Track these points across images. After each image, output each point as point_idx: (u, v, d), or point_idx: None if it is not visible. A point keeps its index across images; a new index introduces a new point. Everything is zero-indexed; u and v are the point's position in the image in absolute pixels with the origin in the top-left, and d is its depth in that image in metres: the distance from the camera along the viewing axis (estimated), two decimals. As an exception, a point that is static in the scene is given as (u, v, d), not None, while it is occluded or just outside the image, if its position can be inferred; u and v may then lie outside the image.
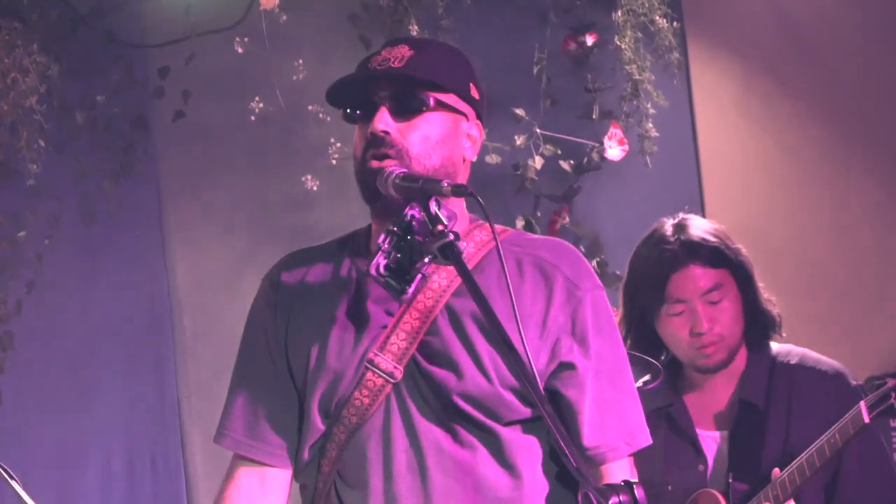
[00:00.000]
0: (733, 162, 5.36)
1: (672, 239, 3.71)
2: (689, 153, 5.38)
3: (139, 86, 5.37)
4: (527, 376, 2.54)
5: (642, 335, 3.78)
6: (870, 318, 5.01)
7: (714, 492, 3.66)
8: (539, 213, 5.25)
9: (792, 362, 3.73)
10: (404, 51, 2.88)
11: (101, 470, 5.36)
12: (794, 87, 5.32)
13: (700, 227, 3.74)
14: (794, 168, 5.28)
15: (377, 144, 2.83)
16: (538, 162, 5.20)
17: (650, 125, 5.16)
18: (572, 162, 5.27)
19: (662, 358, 3.81)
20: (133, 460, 5.37)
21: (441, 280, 2.83)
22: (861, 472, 3.62)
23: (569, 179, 5.30)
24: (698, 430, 3.76)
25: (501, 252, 2.76)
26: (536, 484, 2.86)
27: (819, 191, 5.24)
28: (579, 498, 2.67)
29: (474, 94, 2.92)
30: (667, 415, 3.78)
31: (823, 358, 3.75)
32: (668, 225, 3.77)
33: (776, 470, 3.55)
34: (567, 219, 5.24)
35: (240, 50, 5.10)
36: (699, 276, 3.68)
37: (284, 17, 5.06)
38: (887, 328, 4.96)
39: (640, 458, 3.56)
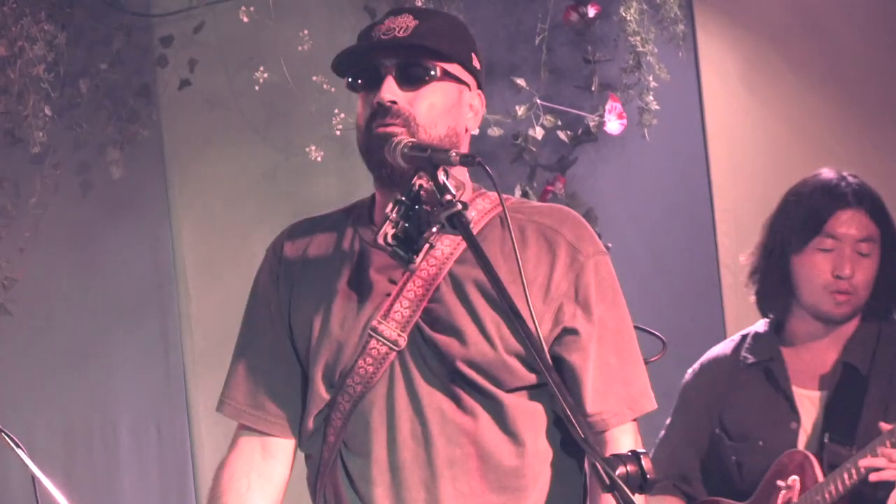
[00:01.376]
0: (740, 135, 5.31)
1: (842, 182, 3.79)
2: (696, 125, 5.33)
3: (144, 54, 5.40)
4: (533, 342, 2.53)
5: (775, 270, 3.83)
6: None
7: (806, 452, 3.71)
8: (535, 184, 5.25)
9: None
10: (408, 20, 2.88)
11: (106, 438, 5.39)
12: (800, 61, 5.26)
13: (861, 182, 3.82)
14: (799, 143, 5.23)
15: (383, 114, 2.83)
16: (539, 133, 5.19)
17: (651, 98, 5.13)
18: (569, 133, 5.26)
19: (785, 304, 3.85)
20: (139, 429, 5.41)
21: (444, 248, 2.84)
22: None
23: (566, 149, 5.29)
24: (795, 388, 3.79)
25: (504, 218, 2.79)
26: (540, 451, 2.88)
27: (825, 164, 5.19)
28: (587, 468, 2.67)
29: (476, 63, 2.92)
30: (765, 369, 3.82)
31: None
32: (834, 172, 3.84)
33: (883, 423, 3.56)
34: (562, 189, 5.24)
35: (245, 19, 5.10)
36: (861, 222, 3.75)
37: None
38: None
39: (733, 410, 3.85)
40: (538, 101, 5.21)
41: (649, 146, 5.21)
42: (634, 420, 2.91)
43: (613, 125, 5.17)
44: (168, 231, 5.51)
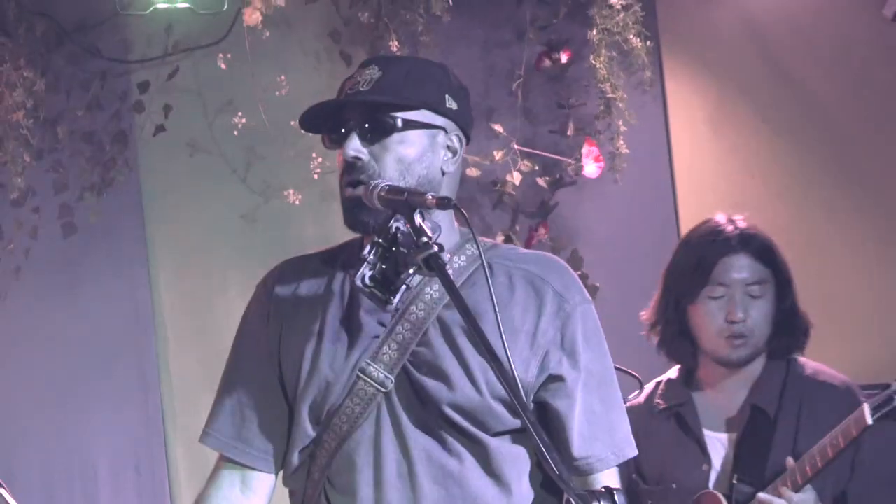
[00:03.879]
0: (706, 179, 5.41)
1: (728, 227, 3.81)
2: (665, 169, 5.45)
3: (122, 100, 5.39)
4: (509, 383, 2.55)
5: (673, 321, 3.85)
6: (839, 329, 4.99)
7: (717, 493, 3.74)
8: (518, 227, 5.32)
9: (806, 374, 3.81)
10: (373, 72, 2.88)
11: (86, 479, 5.37)
12: (765, 108, 5.37)
13: (752, 228, 3.84)
14: (763, 186, 5.34)
15: (349, 170, 2.85)
16: (517, 178, 5.25)
17: (621, 142, 5.20)
18: (549, 178, 5.32)
19: (691, 352, 3.88)
20: (117, 468, 5.38)
21: (433, 292, 2.85)
22: (874, 468, 3.69)
23: (545, 194, 5.36)
24: (706, 431, 3.82)
25: (493, 265, 2.83)
26: (523, 493, 2.89)
27: (790, 209, 5.28)
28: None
29: (451, 104, 2.91)
30: (676, 413, 3.86)
31: (837, 373, 3.83)
32: (723, 217, 3.86)
33: (790, 459, 3.62)
34: (545, 234, 5.31)
35: (223, 65, 5.18)
36: (747, 266, 3.78)
37: (267, 34, 5.12)
38: (859, 338, 5.03)
39: (648, 456, 3.79)
40: (515, 146, 5.25)
41: (620, 189, 5.26)
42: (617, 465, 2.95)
43: (591, 168, 5.25)
44: (146, 274, 5.47)
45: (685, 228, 5.09)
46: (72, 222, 5.36)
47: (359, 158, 2.83)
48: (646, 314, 3.93)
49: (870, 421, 3.52)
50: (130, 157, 5.40)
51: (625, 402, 3.04)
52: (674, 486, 3.81)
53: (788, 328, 3.82)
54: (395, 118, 2.85)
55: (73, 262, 5.38)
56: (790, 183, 5.31)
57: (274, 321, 2.98)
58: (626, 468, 3.74)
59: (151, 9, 5.26)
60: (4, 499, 3.65)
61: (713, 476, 3.78)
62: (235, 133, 5.21)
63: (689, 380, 3.89)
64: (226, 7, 5.25)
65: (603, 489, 2.44)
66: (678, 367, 3.93)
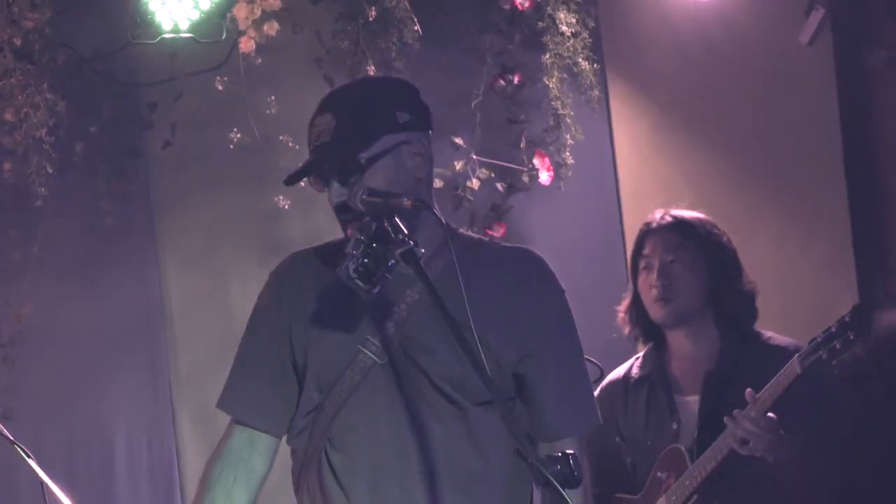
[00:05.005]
0: (647, 187, 5.63)
1: (656, 216, 4.25)
2: (610, 178, 5.74)
3: (134, 119, 5.54)
4: (475, 358, 2.76)
5: (634, 304, 4.23)
6: (760, 320, 5.04)
7: (679, 446, 4.06)
8: (475, 228, 5.47)
9: (760, 340, 4.14)
10: (328, 121, 3.04)
11: (104, 453, 5.56)
12: (699, 125, 5.62)
13: (682, 211, 4.24)
14: (696, 195, 5.04)
15: (342, 211, 3.06)
16: (475, 183, 5.49)
17: (567, 154, 5.47)
18: (505, 184, 5.58)
19: (656, 329, 4.22)
20: (132, 442, 5.58)
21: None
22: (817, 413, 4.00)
23: (501, 199, 5.60)
24: (676, 396, 4.15)
25: (481, 257, 3.09)
26: (499, 457, 3.11)
27: (719, 212, 4.98)
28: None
29: (403, 119, 3.06)
30: (650, 382, 4.20)
31: (787, 338, 4.13)
32: (659, 210, 4.26)
33: (749, 391, 3.87)
34: (500, 233, 5.54)
35: (220, 87, 5.37)
36: (665, 239, 4.18)
37: (260, 60, 5.32)
38: (778, 328, 5.12)
39: (628, 420, 4.22)
40: (474, 156, 5.52)
41: (571, 196, 5.53)
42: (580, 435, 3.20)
43: (544, 176, 5.56)
44: (156, 271, 5.64)
45: (629, 231, 5.54)
46: (90, 226, 5.50)
47: (344, 201, 3.05)
48: (621, 308, 4.28)
49: (799, 370, 3.79)
50: (141, 168, 5.57)
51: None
52: (648, 443, 4.13)
53: (728, 297, 4.15)
54: (360, 159, 3.02)
55: (91, 261, 5.54)
56: (719, 189, 5.51)
57: (285, 304, 3.18)
58: (609, 433, 4.19)
59: (159, 38, 5.37)
60: (33, 469, 3.81)
61: (682, 433, 4.09)
62: (232, 147, 5.36)
63: (659, 353, 4.22)
64: (224, 36, 5.38)
65: (560, 454, 2.66)
66: (651, 344, 4.27)
